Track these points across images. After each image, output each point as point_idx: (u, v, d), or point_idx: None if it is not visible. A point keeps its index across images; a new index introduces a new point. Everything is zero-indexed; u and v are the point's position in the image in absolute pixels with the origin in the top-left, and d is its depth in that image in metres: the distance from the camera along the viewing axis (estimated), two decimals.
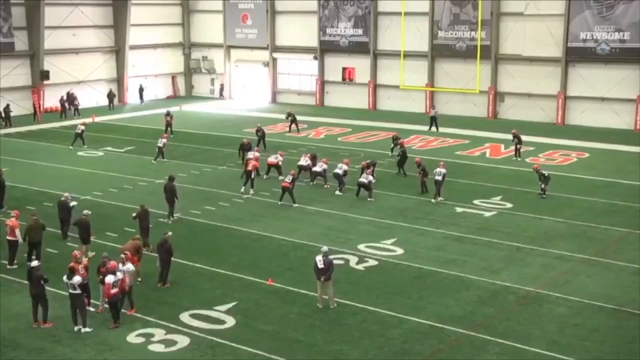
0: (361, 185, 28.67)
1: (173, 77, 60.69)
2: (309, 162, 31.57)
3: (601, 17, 43.97)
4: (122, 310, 17.85)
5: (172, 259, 20.15)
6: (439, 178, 28.36)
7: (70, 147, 38.25)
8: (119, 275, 17.67)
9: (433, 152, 37.87)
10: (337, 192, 29.42)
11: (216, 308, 18.58)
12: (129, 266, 18.41)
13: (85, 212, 22.65)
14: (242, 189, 29.18)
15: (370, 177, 28.97)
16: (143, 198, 27.37)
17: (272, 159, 31.71)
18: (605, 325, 17.75)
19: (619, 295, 19.40)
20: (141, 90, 56.15)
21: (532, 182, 31.34)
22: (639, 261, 21.97)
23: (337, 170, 29.90)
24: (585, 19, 44.43)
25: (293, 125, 43.31)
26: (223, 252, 22.92)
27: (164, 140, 35.45)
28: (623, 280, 20.69)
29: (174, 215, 25.75)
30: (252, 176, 29.30)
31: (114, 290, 17.43)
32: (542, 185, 29.00)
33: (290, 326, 17.69)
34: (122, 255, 18.59)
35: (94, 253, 21.01)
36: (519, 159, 35.54)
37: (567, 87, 45.90)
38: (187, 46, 60.90)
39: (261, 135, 38.13)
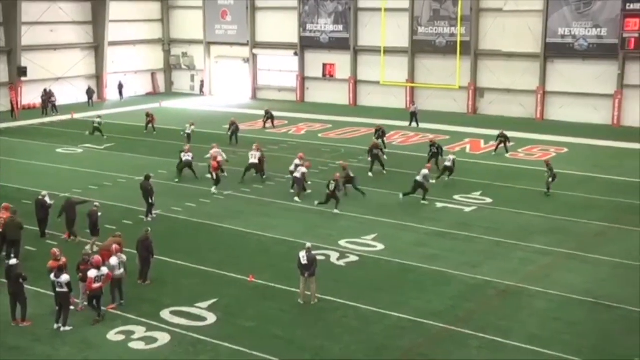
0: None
1: (153, 74, 60.34)
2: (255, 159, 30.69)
3: (579, 14, 44.30)
4: (102, 308, 17.74)
5: (153, 256, 20.07)
6: (419, 178, 27.89)
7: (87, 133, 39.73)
8: (103, 270, 17.60)
9: (413, 147, 37.99)
10: (296, 199, 27.96)
11: (197, 305, 18.51)
12: (122, 257, 18.46)
13: (95, 203, 23.14)
14: (213, 189, 28.86)
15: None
16: (122, 195, 27.32)
17: (252, 160, 30.72)
18: (584, 319, 17.91)
19: (598, 289, 19.58)
20: (120, 86, 55.84)
21: (512, 177, 31.58)
22: (617, 255, 22.17)
23: (296, 174, 28.44)
24: (564, 15, 44.76)
25: (269, 123, 43.26)
26: (204, 249, 22.85)
27: (189, 154, 31.70)
28: (601, 274, 20.89)
29: (153, 213, 25.62)
30: (213, 176, 29.06)
31: (97, 285, 17.34)
32: (550, 180, 28.58)
33: (271, 322, 17.67)
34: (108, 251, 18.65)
35: (96, 247, 21.04)
36: (507, 154, 35.87)
37: (545, 83, 46.21)
38: (166, 42, 60.58)
39: (234, 129, 38.23)
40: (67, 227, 23.47)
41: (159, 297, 18.96)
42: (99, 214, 22.84)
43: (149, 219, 25.28)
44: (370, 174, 31.86)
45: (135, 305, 18.43)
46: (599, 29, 43.85)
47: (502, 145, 36.31)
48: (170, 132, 41.30)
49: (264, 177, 30.83)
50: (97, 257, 17.93)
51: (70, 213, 23.39)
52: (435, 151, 32.92)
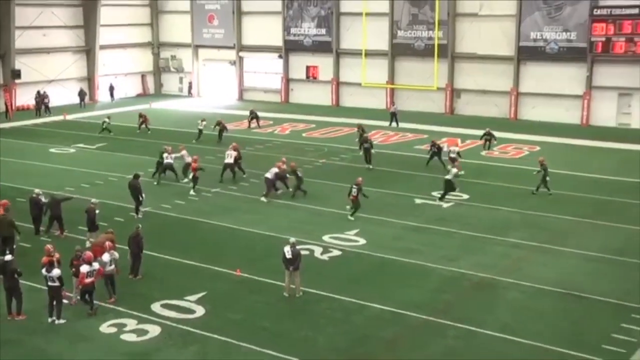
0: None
1: (143, 76, 60.10)
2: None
3: (550, 18, 44.58)
4: (95, 302, 17.70)
5: (143, 251, 20.05)
6: (449, 177, 27.47)
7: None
8: (95, 265, 17.56)
9: (393, 146, 38.11)
10: (262, 199, 27.46)
11: (186, 298, 18.51)
12: (114, 254, 18.43)
13: (93, 200, 23.05)
14: (191, 191, 28.43)
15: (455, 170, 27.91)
16: (114, 193, 27.21)
17: (227, 160, 30.29)
18: (554, 308, 18.09)
19: (567, 280, 19.75)
20: (112, 88, 55.59)
21: (488, 174, 31.73)
22: (585, 248, 22.39)
23: (267, 175, 27.87)
24: (536, 19, 45.02)
25: (254, 122, 43.29)
26: (193, 245, 22.82)
27: (172, 156, 30.79)
28: (571, 266, 21.08)
29: (141, 210, 25.46)
30: (189, 177, 28.77)
31: (89, 280, 17.30)
32: (547, 178, 28.25)
33: (257, 315, 17.71)
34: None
35: (89, 243, 20.96)
36: (483, 152, 36.30)
37: (519, 84, 46.47)
38: (156, 46, 60.33)
39: (221, 128, 38.64)
40: (51, 224, 23.36)
41: (149, 291, 18.94)
42: (97, 211, 22.69)
43: (140, 215, 25.22)
44: (370, 166, 32.57)
45: (127, 299, 18.38)
46: (568, 33, 44.16)
47: (487, 142, 36.60)
48: (160, 132, 41.14)
49: (244, 175, 30.62)
50: (89, 253, 17.89)
51: (55, 210, 23.28)
52: (436, 151, 33.00)
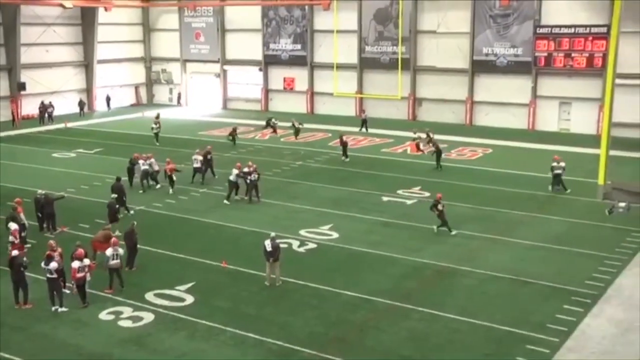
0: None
1: (136, 87, 59.52)
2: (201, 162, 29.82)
3: (499, 35, 44.93)
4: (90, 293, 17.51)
5: (138, 245, 19.88)
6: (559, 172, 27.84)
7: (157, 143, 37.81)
8: (86, 261, 17.34)
9: (363, 149, 38.16)
10: (225, 202, 26.83)
11: (177, 288, 18.40)
12: (119, 249, 18.21)
13: (113, 195, 23.48)
14: (170, 190, 27.97)
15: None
16: (110, 193, 26.76)
17: (195, 164, 29.65)
18: (505, 292, 18.26)
19: (516, 267, 19.95)
20: (108, 99, 55.01)
21: (446, 174, 31.88)
22: (533, 239, 22.61)
23: (230, 177, 27.11)
24: (487, 36, 45.34)
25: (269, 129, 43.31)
26: (182, 239, 22.67)
27: (148, 162, 29.54)
28: (519, 254, 21.28)
29: (129, 210, 24.90)
30: (167, 179, 28.22)
31: (80, 275, 17.09)
32: (561, 172, 28.04)
33: (242, 302, 17.65)
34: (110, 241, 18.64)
35: (118, 233, 20.68)
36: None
37: (473, 94, 46.73)
38: (148, 60, 59.79)
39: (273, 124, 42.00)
40: (46, 222, 23.00)
41: (143, 282, 18.78)
42: (117, 205, 22.97)
43: (132, 212, 24.88)
44: (345, 159, 34.22)
45: (123, 289, 18.22)
46: (515, 49, 44.54)
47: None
48: (151, 138, 40.70)
49: (216, 177, 30.27)
50: (80, 250, 17.54)
51: (48, 208, 22.98)
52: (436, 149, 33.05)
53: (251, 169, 27.20)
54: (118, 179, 25.35)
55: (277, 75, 54.20)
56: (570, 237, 22.70)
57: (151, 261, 20.44)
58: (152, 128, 39.27)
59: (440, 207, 23.14)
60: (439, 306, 17.27)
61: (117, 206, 23.55)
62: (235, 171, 27.24)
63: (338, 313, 17.01)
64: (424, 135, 37.18)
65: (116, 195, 24.15)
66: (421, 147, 36.42)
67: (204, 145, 33.07)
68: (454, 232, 22.97)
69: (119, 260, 18.20)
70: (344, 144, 35.22)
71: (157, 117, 41.05)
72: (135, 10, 58.17)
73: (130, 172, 29.29)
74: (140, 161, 29.32)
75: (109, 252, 18.10)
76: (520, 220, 24.86)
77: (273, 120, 44.17)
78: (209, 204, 27.01)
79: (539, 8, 43.30)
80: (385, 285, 18.74)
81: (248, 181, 26.93)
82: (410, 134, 39.33)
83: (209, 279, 19.22)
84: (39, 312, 16.97)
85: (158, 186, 29.03)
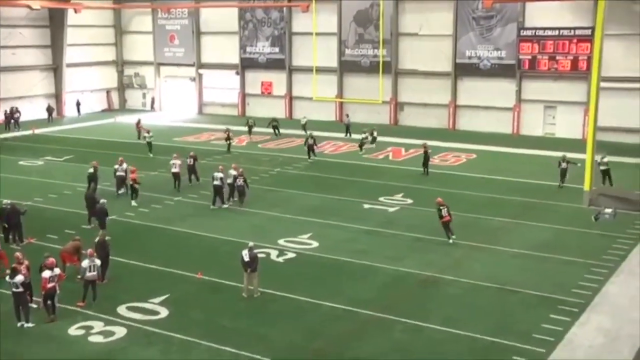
0: None
1: (107, 92, 59.12)
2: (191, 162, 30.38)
3: (483, 38, 45.34)
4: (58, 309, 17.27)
5: (110, 257, 19.66)
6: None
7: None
8: (56, 271, 17.12)
9: (343, 155, 38.21)
10: (212, 207, 27.01)
11: (150, 300, 18.21)
12: (95, 260, 17.99)
13: (102, 200, 23.41)
14: (133, 202, 27.47)
15: None
16: (81, 203, 26.48)
17: (174, 169, 29.62)
18: (490, 302, 18.31)
19: (501, 276, 20.04)
20: (78, 104, 54.63)
21: (429, 180, 31.99)
22: (516, 246, 22.74)
23: (215, 182, 27.14)
24: (470, 39, 45.72)
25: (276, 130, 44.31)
26: (156, 250, 22.48)
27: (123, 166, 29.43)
28: (504, 262, 21.39)
29: (90, 223, 24.51)
30: (129, 189, 27.75)
31: (51, 285, 16.86)
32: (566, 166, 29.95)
33: (218, 314, 17.53)
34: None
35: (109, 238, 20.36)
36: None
37: (456, 98, 47.08)
38: (120, 64, 59.46)
39: (251, 124, 43.21)
40: (12, 233, 22.63)
41: (115, 294, 18.57)
42: (105, 207, 23.37)
43: (90, 226, 24.31)
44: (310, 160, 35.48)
45: (95, 302, 17.98)
46: (499, 52, 44.98)
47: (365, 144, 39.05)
48: (123, 145, 40.45)
49: (199, 181, 30.48)
50: (51, 259, 17.34)
51: (14, 218, 22.64)
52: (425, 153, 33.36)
53: (238, 171, 27.56)
54: (93, 189, 25.05)
55: (255, 79, 54.17)
56: (556, 244, 22.88)
57: (123, 273, 20.22)
58: (145, 137, 38.43)
59: (444, 212, 22.78)
60: (422, 317, 17.28)
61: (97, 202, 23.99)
62: (218, 174, 27.24)
63: (318, 325, 16.95)
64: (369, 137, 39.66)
65: (104, 201, 23.99)
66: (364, 147, 38.64)
67: (180, 150, 33.02)
68: (451, 240, 22.90)
69: (95, 273, 17.95)
70: (309, 147, 36.56)
71: (139, 122, 40.93)
72: (107, 12, 57.85)
73: (93, 180, 28.97)
74: (116, 166, 29.25)
75: (85, 263, 17.85)
76: (505, 227, 25.01)
77: (250, 121, 44.82)
78: (184, 212, 26.84)
79: (523, 10, 43.78)
80: (367, 295, 18.72)
81: (237, 185, 27.27)
82: (393, 139, 39.50)
83: (184, 290, 19.06)
84: (4, 328, 16.66)
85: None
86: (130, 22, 59.00)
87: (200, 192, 29.46)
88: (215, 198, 27.28)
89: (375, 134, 40.51)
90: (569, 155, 31.17)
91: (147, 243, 23.23)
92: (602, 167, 29.97)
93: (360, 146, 38.91)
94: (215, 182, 27.24)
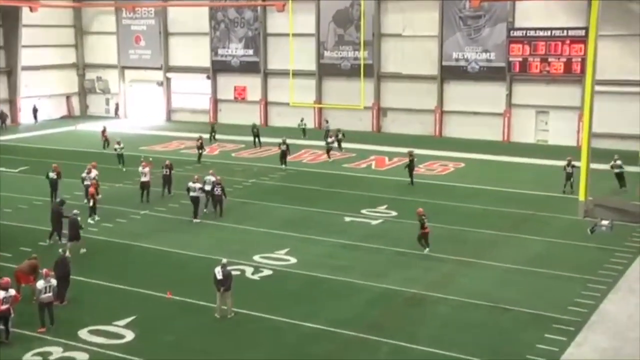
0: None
1: (67, 97, 58.76)
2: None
3: (470, 39, 45.81)
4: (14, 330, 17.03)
5: (70, 276, 19.46)
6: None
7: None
8: (11, 292, 16.90)
9: (322, 165, 38.28)
10: (194, 220, 27.09)
11: (115, 323, 18.05)
12: (52, 281, 17.76)
13: (74, 211, 23.07)
14: (89, 220, 26.73)
15: None
16: (38, 217, 26.31)
17: (143, 178, 29.71)
18: (481, 321, 18.38)
19: (493, 293, 20.14)
20: (35, 110, 54.21)
21: (415, 191, 32.13)
22: (508, 261, 22.88)
23: (192, 193, 27.29)
24: (457, 40, 46.17)
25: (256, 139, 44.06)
26: (121, 268, 22.32)
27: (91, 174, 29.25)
28: (495, 278, 21.51)
29: (51, 239, 24.26)
30: (90, 203, 27.21)
31: (4, 307, 16.64)
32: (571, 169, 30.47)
33: (189, 336, 17.43)
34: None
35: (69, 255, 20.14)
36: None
37: (443, 103, 47.43)
38: (81, 67, 59.14)
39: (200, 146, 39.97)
40: None
41: (76, 317, 18.37)
42: (78, 218, 23.08)
43: (64, 241, 24.28)
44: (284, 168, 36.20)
45: (52, 326, 17.76)
46: (488, 53, 45.46)
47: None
48: (85, 154, 40.14)
49: (171, 194, 30.48)
50: (6, 279, 17.12)
51: None
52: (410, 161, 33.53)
53: (216, 178, 27.81)
54: (61, 203, 24.76)
55: (227, 84, 54.18)
56: (550, 259, 23.08)
57: (85, 293, 20.03)
58: (116, 149, 37.59)
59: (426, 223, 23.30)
60: (409, 337, 17.31)
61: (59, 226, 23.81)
62: (195, 185, 27.31)
63: (297, 346, 16.93)
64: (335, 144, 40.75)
65: (77, 212, 23.68)
66: (330, 153, 39.50)
67: (147, 158, 32.92)
68: (426, 251, 23.30)
69: (51, 294, 17.73)
70: (282, 153, 37.17)
71: (104, 130, 40.66)
72: (66, 10, 57.60)
73: (54, 187, 29.07)
74: (84, 174, 29.10)
75: (40, 284, 17.63)
76: (495, 241, 25.17)
77: (215, 127, 45.86)
78: (151, 227, 26.70)
79: (513, 9, 44.34)
80: (349, 314, 18.72)
81: (215, 193, 27.47)
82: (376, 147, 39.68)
83: (151, 311, 18.94)
84: None
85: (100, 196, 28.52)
86: (91, 21, 58.74)
87: (168, 205, 29.33)
88: (197, 210, 27.22)
89: (340, 136, 41.55)
90: (564, 163, 31.49)
91: (112, 261, 23.05)
92: (616, 170, 30.92)
93: (328, 152, 39.43)
94: (192, 194, 27.23)
